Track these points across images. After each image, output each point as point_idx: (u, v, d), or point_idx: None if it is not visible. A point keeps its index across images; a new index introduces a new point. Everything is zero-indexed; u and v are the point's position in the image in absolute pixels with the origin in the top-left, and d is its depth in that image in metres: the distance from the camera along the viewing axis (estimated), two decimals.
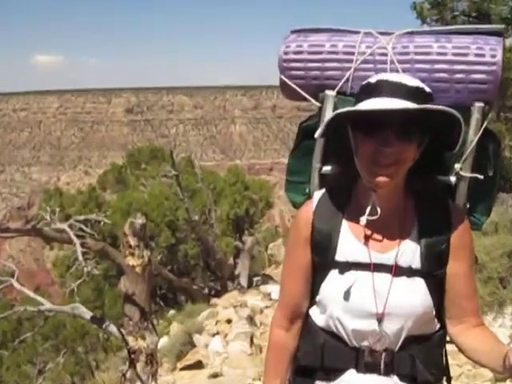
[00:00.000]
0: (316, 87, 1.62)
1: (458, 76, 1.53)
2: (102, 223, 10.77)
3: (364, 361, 1.46)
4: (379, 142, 1.37)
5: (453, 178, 1.57)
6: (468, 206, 1.61)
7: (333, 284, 1.48)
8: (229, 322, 8.24)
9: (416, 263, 1.45)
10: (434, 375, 1.48)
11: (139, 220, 5.17)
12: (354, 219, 1.49)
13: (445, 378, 1.57)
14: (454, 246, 1.47)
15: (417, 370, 1.45)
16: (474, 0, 10.70)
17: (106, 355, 12.19)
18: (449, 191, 1.59)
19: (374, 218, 1.44)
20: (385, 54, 1.57)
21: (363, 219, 1.45)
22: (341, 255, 1.48)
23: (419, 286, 1.44)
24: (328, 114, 1.57)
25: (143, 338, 5.13)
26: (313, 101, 1.63)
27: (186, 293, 13.59)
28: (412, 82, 1.39)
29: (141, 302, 5.13)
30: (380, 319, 1.43)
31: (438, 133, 1.43)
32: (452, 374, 1.62)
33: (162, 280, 13.63)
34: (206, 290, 14.29)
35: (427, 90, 1.41)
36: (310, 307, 1.58)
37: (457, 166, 1.56)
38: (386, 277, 1.44)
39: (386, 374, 1.45)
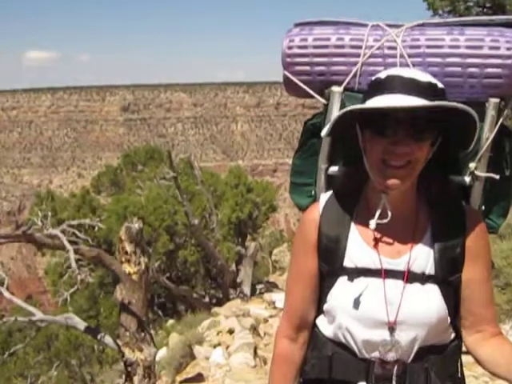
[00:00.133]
0: (322, 83, 1.62)
1: (472, 70, 1.52)
2: (96, 228, 10.82)
3: (375, 373, 1.45)
4: (390, 141, 1.37)
5: (467, 179, 1.57)
6: (483, 207, 1.61)
7: (341, 292, 1.48)
8: (231, 332, 8.23)
9: (429, 269, 1.45)
10: None
11: (136, 225, 5.16)
12: (364, 223, 1.49)
13: None
14: (470, 251, 1.47)
15: (431, 382, 1.45)
16: None
17: (101, 368, 12.20)
18: (463, 192, 1.59)
19: (385, 221, 1.44)
20: (394, 48, 1.57)
21: (373, 223, 1.44)
22: (349, 261, 1.48)
23: (433, 292, 1.44)
24: (335, 112, 1.57)
25: (140, 349, 5.12)
26: (318, 98, 1.63)
27: (185, 301, 13.59)
28: (424, 77, 1.39)
29: (138, 311, 5.13)
30: (392, 328, 1.43)
31: (451, 131, 1.42)
32: None
33: (160, 288, 13.63)
34: (207, 299, 14.30)
35: (440, 85, 1.41)
36: (317, 316, 1.58)
37: (471, 165, 1.56)
38: (397, 283, 1.44)
39: None
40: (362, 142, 1.45)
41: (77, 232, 7.45)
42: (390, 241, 1.48)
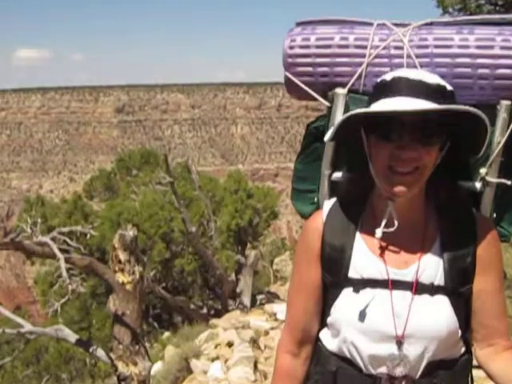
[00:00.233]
0: (325, 85, 1.63)
1: (482, 71, 1.53)
2: (88, 236, 10.82)
3: None
4: (396, 146, 1.37)
5: (478, 184, 1.57)
6: (495, 214, 1.61)
7: (346, 304, 1.48)
8: (230, 345, 8.22)
9: (439, 279, 1.45)
10: None
11: (130, 232, 5.16)
12: (369, 232, 1.49)
13: None
14: (481, 260, 1.46)
15: None
16: None
17: (92, 382, 12.18)
18: (473, 199, 1.59)
19: (391, 230, 1.44)
20: (401, 48, 1.57)
21: (379, 232, 1.44)
22: (355, 272, 1.48)
23: (443, 304, 1.44)
24: (339, 114, 1.57)
25: (134, 363, 5.11)
26: (321, 100, 1.64)
27: (182, 313, 13.56)
28: (432, 79, 1.39)
29: (132, 322, 5.12)
30: (399, 342, 1.43)
31: (461, 135, 1.43)
32: None
33: (156, 298, 13.61)
34: (205, 310, 14.27)
35: (448, 87, 1.41)
36: (320, 330, 1.58)
37: (482, 170, 1.56)
38: (405, 295, 1.44)
39: None
40: (367, 147, 1.45)
41: (68, 240, 7.44)
42: (398, 250, 1.48)
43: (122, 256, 5.11)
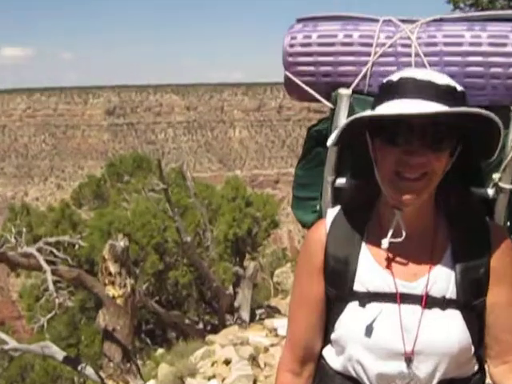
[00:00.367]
0: (328, 85, 1.63)
1: (495, 70, 1.53)
2: (76, 246, 10.81)
3: None
4: (404, 151, 1.37)
5: (490, 191, 1.57)
6: (509, 223, 1.61)
7: (351, 319, 1.47)
8: (227, 362, 8.20)
9: (450, 292, 1.45)
10: None
11: (121, 242, 5.17)
12: (376, 242, 1.48)
13: None
14: (495, 271, 1.46)
15: None
16: None
17: None
18: (486, 206, 1.59)
19: (399, 240, 1.44)
20: (408, 46, 1.57)
21: (385, 242, 1.44)
22: (360, 285, 1.48)
23: (455, 319, 1.44)
24: (342, 117, 1.57)
25: (126, 382, 5.11)
26: (324, 101, 1.64)
27: (176, 328, 13.54)
28: (441, 79, 1.39)
29: (123, 339, 5.12)
30: (409, 359, 1.42)
31: (472, 138, 1.42)
32: None
33: (149, 313, 13.59)
34: (201, 325, 14.24)
35: (459, 88, 1.41)
36: (323, 347, 1.57)
37: (495, 176, 1.56)
38: (415, 309, 1.44)
39: None
40: (372, 152, 1.45)
41: (55, 250, 7.44)
42: (406, 261, 1.48)
43: (113, 268, 5.12)
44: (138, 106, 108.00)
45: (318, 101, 1.65)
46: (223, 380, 7.70)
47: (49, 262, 6.55)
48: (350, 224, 1.52)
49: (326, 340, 1.56)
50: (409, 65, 1.55)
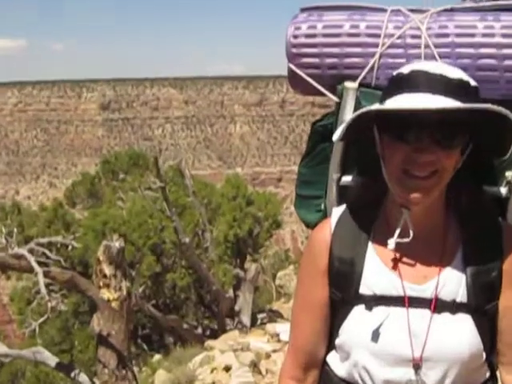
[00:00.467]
0: (333, 78, 1.63)
1: (509, 63, 1.53)
2: (70, 247, 10.82)
3: None
4: (414, 148, 1.37)
5: (503, 190, 1.57)
6: None
7: (357, 323, 1.47)
8: (227, 369, 8.21)
9: (461, 296, 1.44)
10: None
11: (116, 243, 5.18)
12: (383, 243, 1.48)
13: None
14: (508, 274, 1.46)
15: None
16: None
17: None
18: (499, 206, 1.59)
19: (405, 240, 1.43)
20: (418, 37, 1.57)
21: (392, 242, 1.44)
22: (366, 287, 1.48)
23: (465, 323, 1.44)
24: (348, 111, 1.57)
25: None
26: (329, 95, 1.64)
27: (174, 333, 13.56)
28: (454, 73, 1.39)
29: (118, 344, 5.13)
30: (417, 366, 1.42)
31: (484, 135, 1.42)
32: None
33: (145, 317, 13.61)
34: (200, 330, 14.26)
35: (472, 83, 1.40)
36: (327, 353, 1.57)
37: (508, 174, 1.56)
38: (423, 313, 1.44)
39: None
40: (380, 148, 1.45)
41: (47, 252, 7.45)
42: (414, 263, 1.48)
43: (108, 270, 5.12)
44: (135, 101, 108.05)
45: (322, 94, 1.65)
46: None
47: (41, 264, 6.55)
48: (356, 224, 1.52)
49: (331, 345, 1.56)
50: (418, 57, 1.55)
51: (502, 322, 1.48)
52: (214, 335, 12.54)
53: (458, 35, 1.55)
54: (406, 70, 1.41)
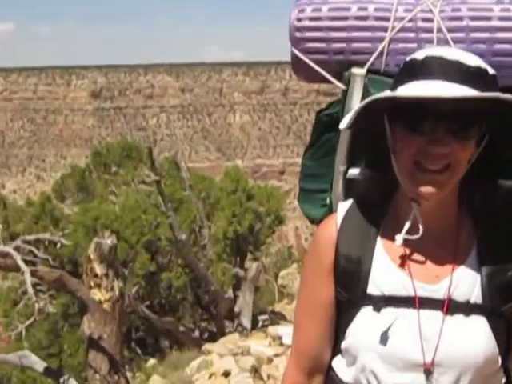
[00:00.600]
0: (340, 64, 1.63)
1: None
2: (58, 245, 10.84)
3: None
4: (427, 139, 1.36)
5: None
6: None
7: (365, 325, 1.47)
8: (226, 374, 8.22)
9: (475, 297, 1.45)
10: None
11: (108, 240, 5.18)
12: (392, 240, 1.48)
13: None
14: None
15: None
16: None
17: None
18: None
19: (415, 237, 1.43)
20: (430, 20, 1.57)
21: (399, 238, 1.44)
22: (375, 287, 1.48)
23: (480, 326, 1.44)
24: (356, 99, 1.57)
25: None
26: (335, 82, 1.64)
27: (169, 336, 13.59)
28: (471, 60, 1.38)
29: (110, 348, 5.13)
30: (428, 371, 1.42)
31: (500, 126, 1.42)
32: None
33: (139, 319, 13.63)
34: (197, 333, 14.30)
35: (490, 71, 1.40)
36: (333, 357, 1.57)
37: None
38: (435, 315, 1.44)
39: None
40: (390, 139, 1.45)
41: (34, 249, 7.45)
42: (426, 262, 1.48)
43: (99, 269, 5.13)
44: (127, 88, 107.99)
45: (328, 81, 1.65)
46: None
47: (27, 263, 6.56)
48: (364, 220, 1.52)
49: (336, 349, 1.56)
50: (430, 41, 1.55)
51: None
52: (213, 338, 12.57)
53: (472, 18, 1.55)
54: (419, 55, 1.41)
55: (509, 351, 1.49)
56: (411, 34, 1.58)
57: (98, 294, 5.18)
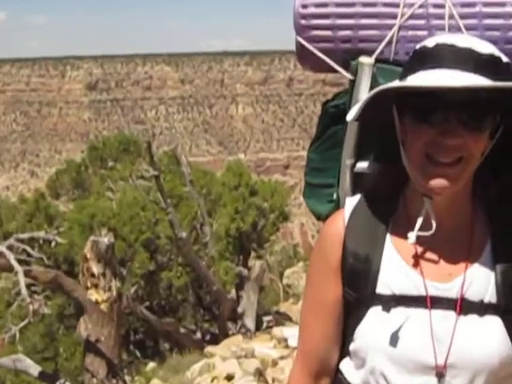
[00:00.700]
0: (347, 52, 1.63)
1: None
2: (53, 243, 10.86)
3: None
4: (438, 130, 1.36)
5: None
6: None
7: (374, 326, 1.47)
8: (230, 378, 8.24)
9: (490, 296, 1.44)
10: None
11: (105, 238, 5.19)
12: (402, 236, 1.48)
13: None
14: None
15: None
16: None
17: None
18: None
19: (428, 234, 1.43)
20: (441, 6, 1.57)
21: (412, 236, 1.44)
22: (384, 286, 1.48)
23: (495, 326, 1.43)
24: (364, 89, 1.57)
25: None
26: (342, 71, 1.64)
27: (170, 338, 13.61)
28: (484, 47, 1.38)
29: (108, 351, 5.14)
30: (440, 374, 1.42)
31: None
32: None
33: (138, 321, 13.66)
34: (199, 335, 14.31)
35: (504, 59, 1.39)
36: (340, 359, 1.58)
37: None
38: (448, 315, 1.44)
39: None
40: (399, 131, 1.45)
41: (28, 248, 7.47)
42: (438, 260, 1.48)
43: (96, 268, 5.13)
44: (124, 80, 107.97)
45: (335, 71, 1.65)
46: None
47: (21, 262, 6.58)
48: (373, 215, 1.52)
49: (344, 351, 1.56)
50: (442, 29, 1.55)
51: None
52: (215, 340, 12.59)
53: (485, 4, 1.55)
54: (430, 43, 1.40)
55: None
56: (422, 21, 1.58)
57: (94, 295, 5.18)
